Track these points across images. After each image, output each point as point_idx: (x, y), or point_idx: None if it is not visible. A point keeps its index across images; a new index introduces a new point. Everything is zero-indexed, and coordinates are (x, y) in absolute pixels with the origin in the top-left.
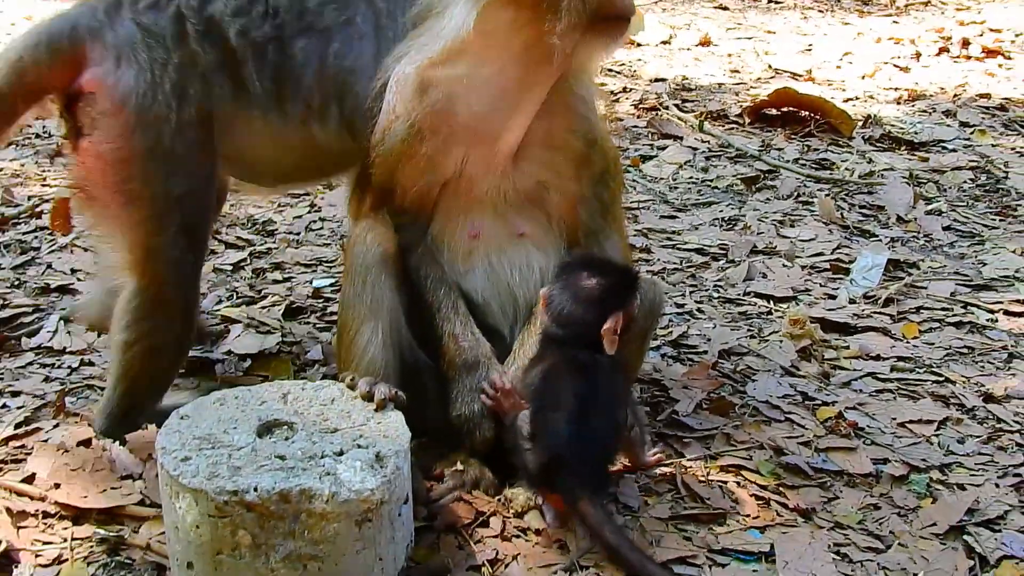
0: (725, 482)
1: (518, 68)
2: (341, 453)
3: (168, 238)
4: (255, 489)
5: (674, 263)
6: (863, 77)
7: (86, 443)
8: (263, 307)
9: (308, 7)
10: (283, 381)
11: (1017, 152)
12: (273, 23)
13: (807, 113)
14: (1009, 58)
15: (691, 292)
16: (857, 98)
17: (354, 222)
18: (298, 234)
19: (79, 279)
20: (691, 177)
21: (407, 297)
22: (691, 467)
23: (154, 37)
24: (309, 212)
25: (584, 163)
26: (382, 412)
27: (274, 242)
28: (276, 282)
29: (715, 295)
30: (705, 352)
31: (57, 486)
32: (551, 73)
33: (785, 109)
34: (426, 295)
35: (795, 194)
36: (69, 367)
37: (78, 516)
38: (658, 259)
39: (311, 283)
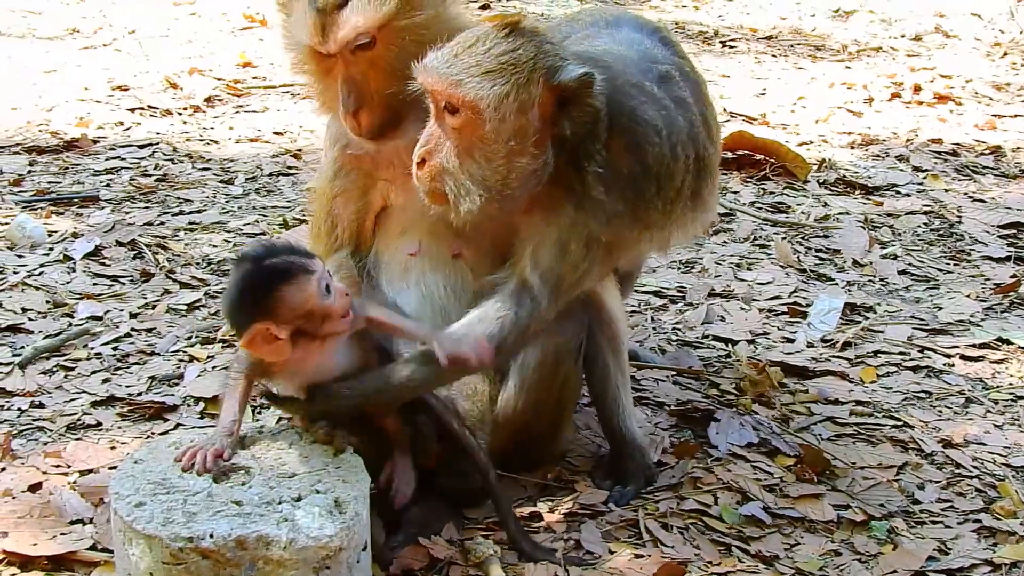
0: (687, 528)
1: None
2: (299, 499)
3: None
4: (211, 535)
5: (632, 305)
6: (817, 121)
7: (34, 488)
8: (220, 348)
9: None
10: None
11: (969, 197)
12: None
13: (762, 157)
14: (960, 104)
15: (652, 334)
16: (811, 142)
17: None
18: None
19: (30, 319)
20: None
21: None
22: (655, 513)
23: None
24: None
25: None
26: (340, 457)
27: None
28: None
29: (674, 338)
30: (667, 396)
31: (4, 534)
32: None
33: (740, 152)
34: None
35: (752, 237)
36: (19, 409)
37: (26, 563)
38: None
39: None
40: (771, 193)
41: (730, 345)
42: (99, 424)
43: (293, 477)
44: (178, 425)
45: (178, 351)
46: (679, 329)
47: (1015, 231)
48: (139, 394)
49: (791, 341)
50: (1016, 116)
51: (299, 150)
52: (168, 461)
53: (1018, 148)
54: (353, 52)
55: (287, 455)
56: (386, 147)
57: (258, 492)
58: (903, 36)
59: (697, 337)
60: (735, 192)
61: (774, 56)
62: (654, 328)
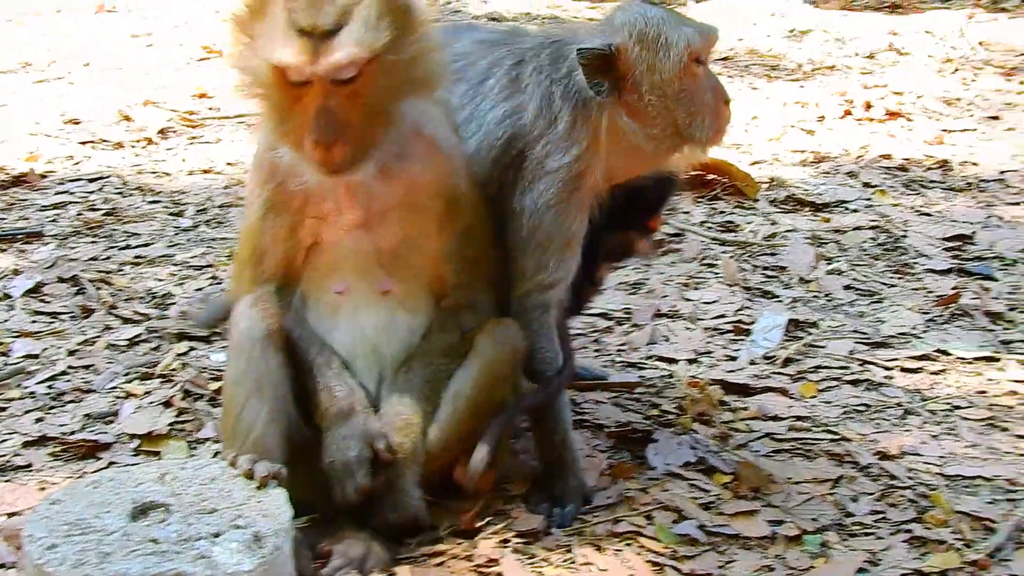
0: (621, 550)
1: None
2: (218, 534)
3: None
4: None
5: (578, 328)
6: (770, 140)
7: None
8: (158, 384)
9: None
10: (162, 461)
11: (916, 211)
12: None
13: (713, 177)
14: (910, 119)
15: (595, 357)
16: (764, 161)
17: (239, 297)
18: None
19: None
20: None
21: (294, 372)
22: (589, 534)
23: None
24: (210, 284)
25: (445, 221)
26: (264, 490)
27: (171, 316)
28: (176, 356)
29: (618, 359)
30: (607, 417)
31: None
32: None
33: (693, 172)
34: (300, 354)
35: (700, 257)
36: None
37: None
38: None
39: (208, 357)
40: (721, 212)
41: (673, 364)
42: (29, 465)
43: (213, 513)
44: (111, 463)
45: (115, 388)
46: (623, 350)
47: (959, 243)
48: (72, 433)
49: (734, 359)
50: (965, 130)
51: None
52: (87, 501)
53: (965, 162)
54: (334, 82)
55: (208, 490)
56: (325, 184)
57: (176, 529)
58: (856, 54)
59: (641, 358)
60: (685, 212)
61: (730, 77)
62: (598, 351)
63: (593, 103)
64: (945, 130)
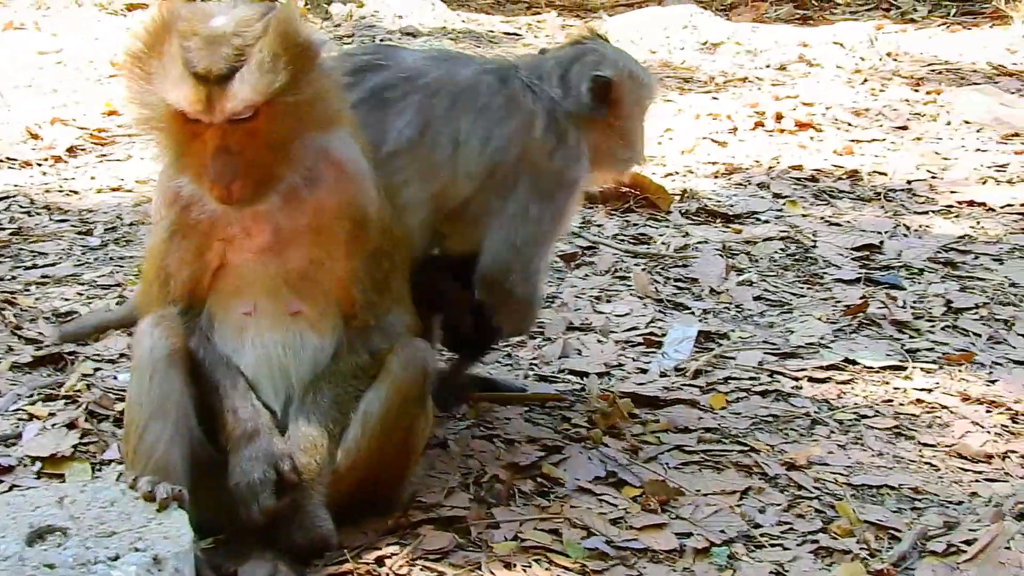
0: (529, 565)
1: None
2: (116, 558)
3: None
4: None
5: None
6: (683, 152)
7: None
8: (62, 405)
9: None
10: (62, 484)
11: (825, 221)
12: None
13: (627, 189)
14: (820, 130)
15: (507, 370)
16: (677, 173)
17: (141, 317)
18: None
19: None
20: None
21: (199, 393)
22: (497, 551)
23: None
24: (118, 304)
25: (353, 242)
26: (165, 512)
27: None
28: (81, 377)
29: (530, 373)
30: (518, 433)
31: None
32: None
33: (607, 186)
34: (205, 375)
35: (612, 269)
36: None
37: None
38: None
39: (115, 378)
40: (634, 225)
41: (584, 378)
42: None
43: (112, 536)
44: (13, 487)
45: (18, 409)
46: (536, 365)
47: (867, 253)
48: None
49: (645, 371)
50: (873, 140)
51: None
52: None
53: (874, 172)
54: (231, 122)
55: (108, 513)
56: (229, 211)
57: (73, 553)
58: (768, 66)
59: (553, 372)
60: (599, 225)
61: None
62: (510, 365)
63: (585, 123)
64: (854, 140)
